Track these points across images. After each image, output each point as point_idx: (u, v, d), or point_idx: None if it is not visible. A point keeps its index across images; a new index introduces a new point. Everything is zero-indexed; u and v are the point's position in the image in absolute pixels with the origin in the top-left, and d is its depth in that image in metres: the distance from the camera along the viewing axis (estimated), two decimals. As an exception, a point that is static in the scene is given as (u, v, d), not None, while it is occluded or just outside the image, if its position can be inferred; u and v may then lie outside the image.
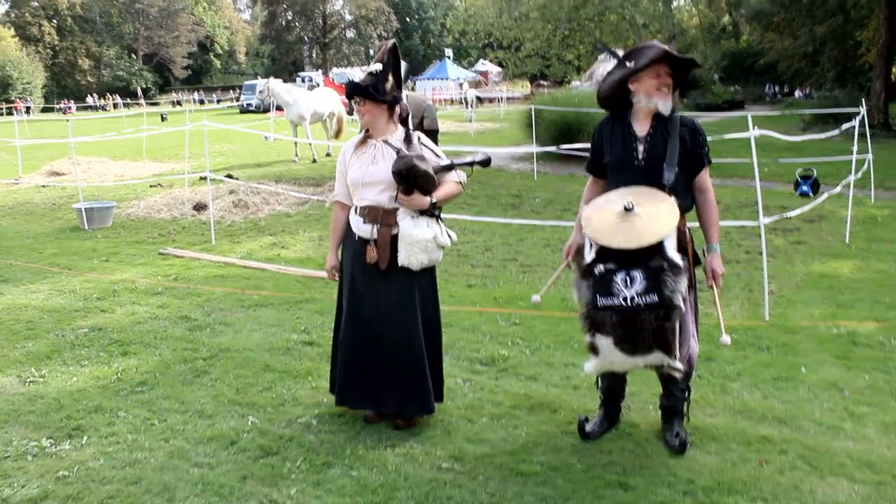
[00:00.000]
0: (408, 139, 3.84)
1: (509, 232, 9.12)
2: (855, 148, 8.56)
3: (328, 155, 18.34)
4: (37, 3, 68.77)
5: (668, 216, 3.38)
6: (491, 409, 4.23)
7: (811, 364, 4.83)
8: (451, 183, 3.86)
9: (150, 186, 13.75)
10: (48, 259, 8.24)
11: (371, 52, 72.43)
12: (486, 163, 4.00)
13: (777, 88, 43.74)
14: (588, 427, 3.89)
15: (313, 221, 10.27)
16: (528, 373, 4.75)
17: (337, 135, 17.67)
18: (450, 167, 3.86)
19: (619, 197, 3.52)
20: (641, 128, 3.61)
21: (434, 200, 3.77)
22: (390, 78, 3.79)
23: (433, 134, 11.13)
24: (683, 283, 3.31)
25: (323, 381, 4.58)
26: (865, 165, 9.88)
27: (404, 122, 3.92)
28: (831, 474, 3.50)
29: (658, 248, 3.32)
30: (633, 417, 4.11)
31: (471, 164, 3.98)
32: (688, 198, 3.65)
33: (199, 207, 11.13)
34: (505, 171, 15.62)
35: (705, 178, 3.66)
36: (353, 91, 3.78)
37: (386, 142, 3.80)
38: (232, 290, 6.76)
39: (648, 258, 3.32)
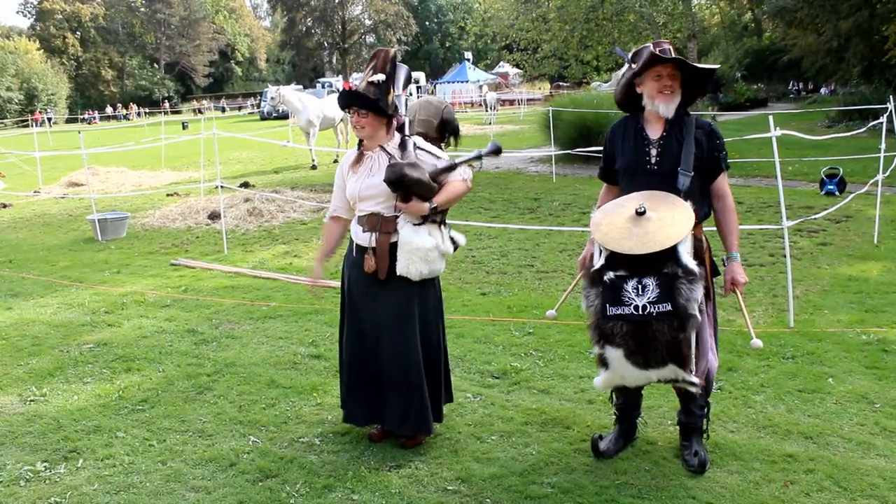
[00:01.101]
0: (402, 145, 3.66)
1: (526, 237, 8.94)
2: (883, 145, 8.28)
3: (336, 161, 18.29)
4: (60, 16, 69.65)
5: (682, 220, 3.18)
6: (501, 425, 4.05)
7: (839, 374, 4.60)
8: (454, 184, 3.65)
9: (167, 195, 13.74)
10: (60, 272, 8.18)
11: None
12: (496, 152, 3.79)
13: (801, 85, 43.05)
14: (602, 445, 3.70)
15: (328, 229, 10.14)
16: (541, 386, 4.57)
17: (349, 141, 17.75)
18: (451, 167, 3.66)
19: (630, 201, 3.34)
20: (654, 131, 3.42)
21: (434, 206, 3.58)
22: (392, 90, 3.61)
23: (455, 132, 10.99)
24: (699, 292, 3.10)
25: (328, 398, 4.45)
26: (894, 163, 9.55)
27: (400, 129, 3.75)
28: (862, 496, 3.29)
29: (672, 253, 3.13)
30: (649, 434, 3.92)
31: (478, 157, 3.80)
32: (704, 204, 3.45)
33: (214, 216, 11.06)
34: (523, 173, 15.43)
35: (723, 183, 3.46)
36: (356, 101, 3.57)
37: (382, 148, 3.64)
38: (241, 301, 6.65)
39: (661, 265, 3.12)
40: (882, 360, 4.81)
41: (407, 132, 3.69)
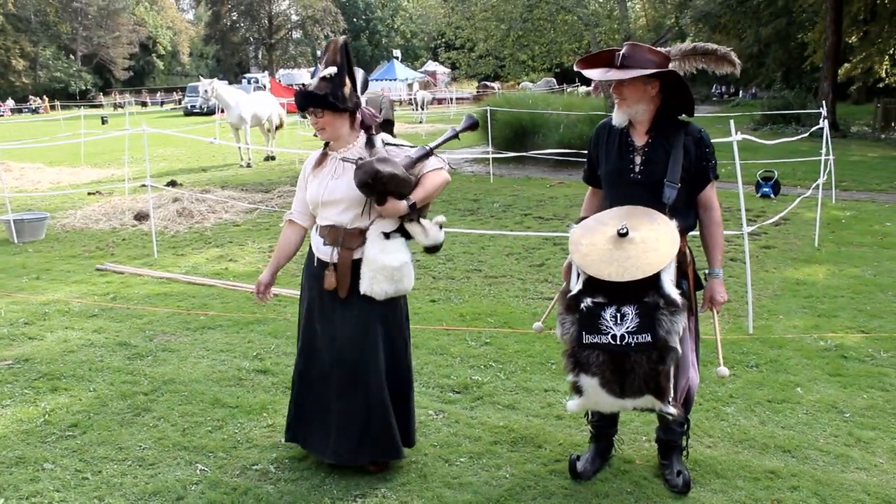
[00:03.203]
0: (370, 143, 3.37)
1: (470, 240, 8.73)
2: (824, 149, 8.40)
3: (270, 159, 17.78)
4: (-34, 2, 66.04)
5: (667, 244, 2.99)
6: (469, 446, 3.81)
7: (805, 383, 4.54)
8: (430, 176, 3.33)
9: (88, 194, 13.00)
10: (-28, 278, 7.55)
11: (318, 52, 71.42)
12: (473, 126, 3.52)
13: (724, 89, 44.34)
14: (580, 466, 3.50)
15: (262, 231, 9.73)
16: (506, 401, 4.35)
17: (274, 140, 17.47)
18: (426, 155, 3.36)
19: (612, 219, 3.13)
20: (639, 137, 3.22)
21: (413, 202, 3.26)
22: (347, 81, 3.27)
23: (388, 124, 10.90)
24: (681, 323, 2.93)
25: (280, 417, 4.11)
26: (827, 166, 9.74)
27: (367, 128, 3.45)
28: (851, 515, 3.18)
29: (654, 281, 2.94)
30: (626, 452, 3.74)
31: (455, 135, 3.49)
32: (690, 216, 3.28)
33: (141, 217, 10.48)
34: (460, 173, 15.25)
35: (711, 194, 3.28)
36: (309, 101, 3.24)
37: (345, 159, 3.32)
38: (176, 310, 6.21)
39: (643, 293, 2.93)
40: (843, 367, 4.77)
41: (373, 130, 3.40)
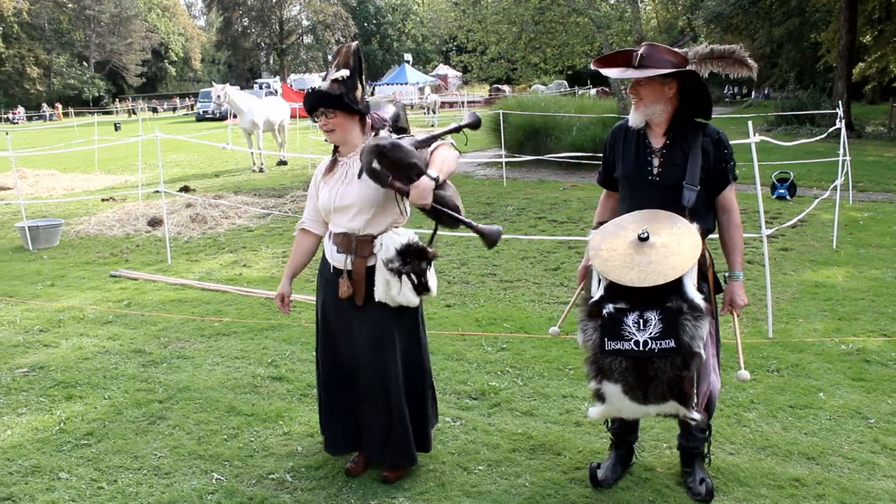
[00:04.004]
0: (376, 135, 3.32)
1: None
2: (841, 150, 8.31)
3: (282, 163, 17.79)
4: (-20, 11, 66.58)
5: (688, 248, 2.94)
6: (487, 453, 3.76)
7: (827, 388, 4.46)
8: (438, 151, 3.19)
9: (102, 200, 13.04)
10: (-13, 285, 7.57)
11: (329, 57, 71.63)
12: (475, 125, 3.45)
13: (736, 90, 44.10)
14: (600, 474, 3.45)
15: (276, 236, 9.72)
16: (524, 407, 4.30)
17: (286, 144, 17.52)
18: (431, 139, 3.26)
19: (632, 223, 3.08)
20: (657, 139, 3.17)
21: (436, 176, 3.06)
22: (359, 84, 3.25)
23: (402, 132, 10.76)
24: (705, 329, 2.87)
25: (296, 425, 4.09)
26: (844, 167, 9.63)
27: (377, 131, 3.41)
28: (879, 525, 3.11)
29: (677, 286, 2.89)
30: (647, 459, 3.68)
31: (457, 129, 3.42)
32: (709, 218, 3.22)
33: (154, 223, 10.49)
34: (472, 177, 15.21)
35: (730, 196, 3.22)
36: (321, 101, 3.20)
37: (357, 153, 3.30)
38: (190, 316, 6.19)
39: (665, 298, 2.88)
40: (866, 372, 4.69)
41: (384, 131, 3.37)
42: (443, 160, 3.15)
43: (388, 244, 3.23)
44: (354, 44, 3.32)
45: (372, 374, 3.35)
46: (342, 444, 3.55)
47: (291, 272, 3.55)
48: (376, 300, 3.27)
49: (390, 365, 3.34)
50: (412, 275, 3.23)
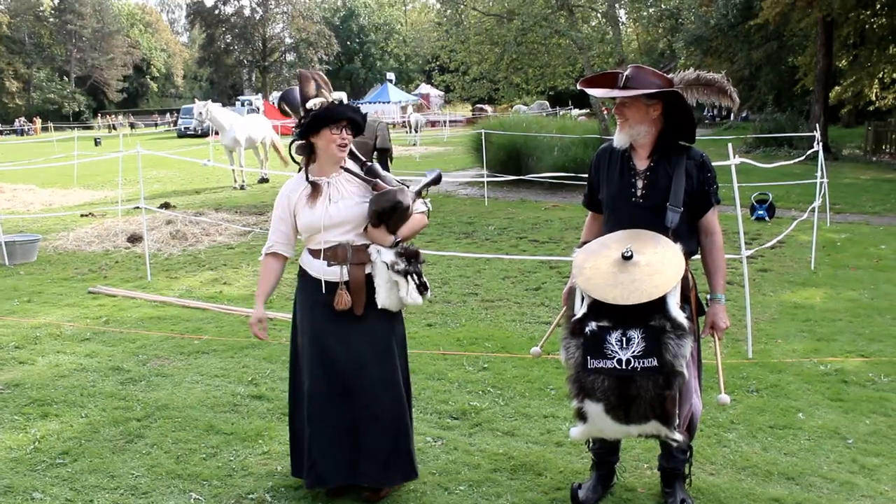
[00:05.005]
0: (370, 172, 3.36)
1: (465, 263, 8.69)
2: (819, 172, 8.42)
3: (264, 181, 17.73)
4: (-40, 24, 66.08)
5: (672, 267, 2.96)
6: (468, 473, 3.74)
7: (806, 408, 4.49)
8: (416, 216, 3.37)
9: (81, 216, 12.92)
10: (-38, 301, 7.46)
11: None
12: (437, 180, 3.58)
13: (716, 111, 44.60)
14: (581, 494, 3.44)
15: (256, 253, 9.66)
16: (505, 427, 4.29)
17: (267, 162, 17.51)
18: (417, 194, 3.40)
19: (616, 242, 3.10)
20: (641, 161, 3.20)
21: (398, 238, 3.30)
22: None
23: (385, 153, 10.77)
24: (688, 348, 2.89)
25: (276, 444, 4.05)
26: (822, 189, 9.76)
27: (353, 156, 3.44)
28: (858, 545, 3.12)
29: (660, 304, 2.91)
30: (628, 479, 3.68)
31: (427, 185, 3.52)
32: (692, 241, 3.25)
33: (134, 239, 10.41)
34: (454, 196, 15.25)
35: (712, 219, 3.26)
36: (355, 116, 3.24)
37: (347, 169, 3.32)
38: (170, 334, 6.14)
39: (649, 316, 2.90)
40: (844, 392, 4.73)
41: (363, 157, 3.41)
42: (412, 229, 3.36)
43: (385, 248, 3.26)
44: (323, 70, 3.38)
45: (375, 387, 3.29)
46: (335, 475, 3.34)
47: (263, 297, 3.48)
48: (379, 307, 3.27)
49: (392, 373, 3.34)
50: (415, 275, 3.28)
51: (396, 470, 3.36)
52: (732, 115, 43.50)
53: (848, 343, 5.69)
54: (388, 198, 3.17)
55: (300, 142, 3.32)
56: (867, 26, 23.83)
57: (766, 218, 11.30)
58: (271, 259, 3.46)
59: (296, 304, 3.48)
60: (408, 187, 3.37)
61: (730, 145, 5.68)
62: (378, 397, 3.31)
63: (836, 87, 26.52)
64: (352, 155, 3.41)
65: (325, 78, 3.33)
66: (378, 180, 3.29)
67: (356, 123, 3.27)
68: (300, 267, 3.43)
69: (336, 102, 3.25)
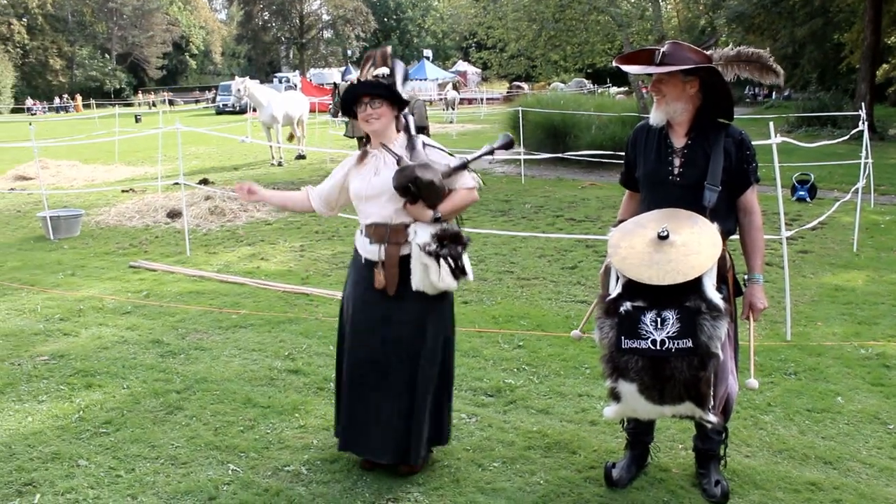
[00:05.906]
0: (411, 145, 3.36)
1: (501, 241, 8.67)
2: (863, 153, 8.22)
3: (301, 157, 17.84)
4: (6, 2, 67.18)
5: (708, 247, 2.92)
6: (502, 450, 3.77)
7: (845, 392, 4.42)
8: (461, 192, 3.34)
9: (122, 192, 13.15)
10: (8, 273, 7.65)
11: (349, 52, 71.74)
12: (508, 145, 3.54)
13: (757, 90, 43.75)
14: (615, 473, 3.44)
15: (294, 230, 9.76)
16: (539, 405, 4.30)
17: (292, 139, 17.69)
18: (463, 166, 3.36)
19: (651, 221, 3.06)
20: (679, 139, 3.16)
21: (439, 215, 3.28)
22: (401, 83, 3.33)
23: (422, 131, 10.77)
24: (723, 329, 2.85)
25: (312, 419, 4.11)
26: (866, 170, 9.54)
27: (405, 129, 3.46)
28: (897, 531, 3.08)
29: (696, 285, 2.87)
30: (661, 459, 3.67)
31: (490, 151, 3.50)
32: (730, 220, 3.20)
33: (173, 215, 10.57)
34: (491, 174, 15.19)
35: (751, 198, 3.20)
36: (374, 89, 3.25)
37: (384, 146, 3.33)
38: (208, 308, 6.24)
39: (684, 297, 2.86)
40: (886, 377, 4.65)
41: (413, 131, 3.40)
42: (454, 206, 3.33)
43: (423, 230, 3.26)
44: (389, 48, 3.39)
45: (407, 368, 3.35)
46: (358, 445, 3.47)
47: (271, 194, 3.73)
48: (413, 289, 3.29)
49: (426, 362, 3.36)
50: (450, 258, 3.25)
51: (405, 451, 3.39)
52: (774, 93, 42.63)
53: (890, 327, 5.58)
54: (406, 174, 3.15)
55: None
56: (919, 2, 23.10)
57: (808, 199, 11.07)
58: (304, 193, 3.64)
59: (346, 279, 3.57)
60: (467, 160, 3.37)
61: (771, 124, 5.57)
62: (406, 380, 3.35)
63: (884, 65, 25.87)
64: (407, 127, 3.42)
65: (379, 56, 3.34)
66: (402, 155, 3.27)
67: (383, 91, 3.26)
68: (355, 240, 3.51)
69: (353, 82, 3.31)
